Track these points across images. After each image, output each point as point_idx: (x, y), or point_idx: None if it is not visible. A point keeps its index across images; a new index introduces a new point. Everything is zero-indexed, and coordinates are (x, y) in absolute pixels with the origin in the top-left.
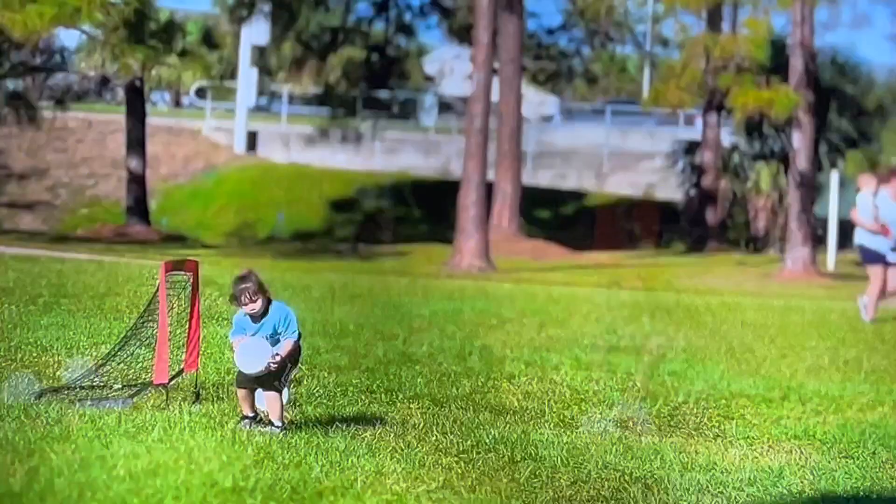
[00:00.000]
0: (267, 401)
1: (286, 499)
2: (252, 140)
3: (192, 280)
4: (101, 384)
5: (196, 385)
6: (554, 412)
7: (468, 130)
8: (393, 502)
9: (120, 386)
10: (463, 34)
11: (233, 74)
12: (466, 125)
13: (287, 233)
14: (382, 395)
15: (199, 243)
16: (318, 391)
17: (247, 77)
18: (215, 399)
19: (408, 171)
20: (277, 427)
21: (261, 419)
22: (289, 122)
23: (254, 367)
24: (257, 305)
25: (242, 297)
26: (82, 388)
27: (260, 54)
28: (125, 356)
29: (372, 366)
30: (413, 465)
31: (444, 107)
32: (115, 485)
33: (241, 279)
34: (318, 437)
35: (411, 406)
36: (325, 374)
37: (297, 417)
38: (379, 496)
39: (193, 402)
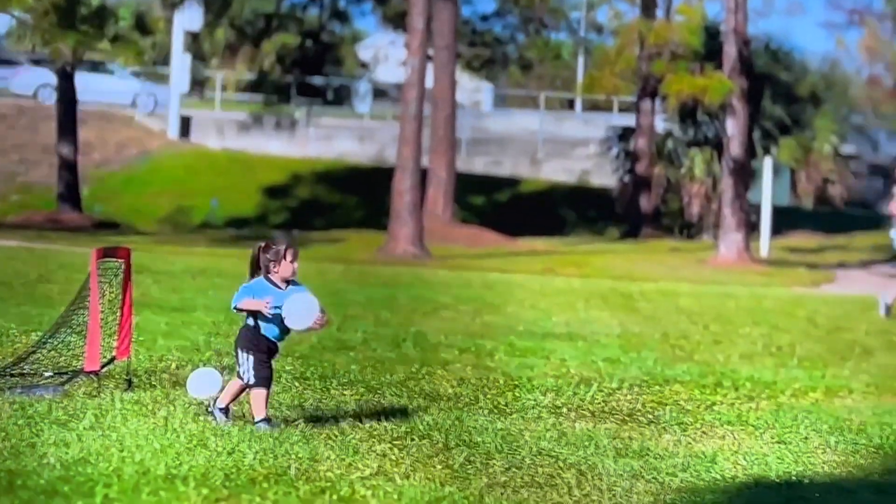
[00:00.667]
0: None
1: (219, 486)
2: (185, 126)
3: (124, 267)
4: (32, 372)
5: (128, 372)
6: (488, 398)
7: (403, 117)
8: (327, 489)
9: (51, 373)
10: (397, 20)
11: (166, 60)
12: (401, 112)
13: (221, 219)
14: (316, 382)
15: (132, 230)
16: None
17: (180, 63)
18: (148, 386)
19: (342, 158)
20: (274, 424)
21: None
22: (223, 108)
23: (304, 323)
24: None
25: (289, 254)
26: (12, 375)
27: (193, 40)
28: (56, 343)
29: (306, 352)
30: (347, 452)
31: (379, 93)
32: (46, 472)
33: (283, 239)
34: (251, 425)
35: (345, 393)
36: None
37: (231, 405)
38: (312, 483)
39: (125, 390)
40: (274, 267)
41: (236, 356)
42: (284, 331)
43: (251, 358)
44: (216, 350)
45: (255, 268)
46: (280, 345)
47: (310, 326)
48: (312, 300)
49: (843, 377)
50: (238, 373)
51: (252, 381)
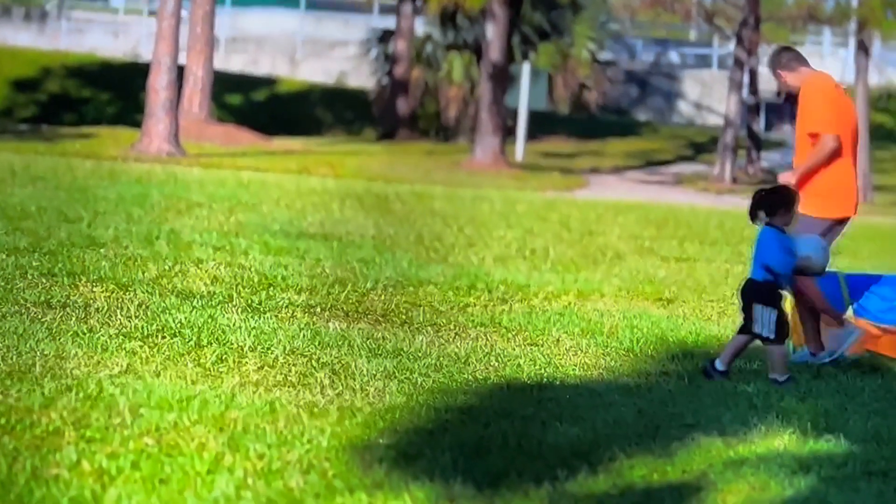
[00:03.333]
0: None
1: None
2: None
3: None
4: None
5: None
6: (242, 297)
7: (160, 13)
8: (73, 387)
9: None
10: None
11: None
12: (158, 8)
13: None
14: (65, 279)
15: None
16: None
17: None
18: None
19: (95, 53)
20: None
21: None
22: None
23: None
24: None
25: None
26: None
27: None
28: None
29: (54, 248)
30: (95, 350)
31: None
32: None
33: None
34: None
35: (95, 290)
36: (4, 257)
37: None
38: (58, 380)
39: None
40: (783, 214)
41: (750, 311)
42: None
43: (775, 313)
44: None
45: (758, 212)
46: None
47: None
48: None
49: (596, 281)
50: (752, 328)
51: (773, 335)
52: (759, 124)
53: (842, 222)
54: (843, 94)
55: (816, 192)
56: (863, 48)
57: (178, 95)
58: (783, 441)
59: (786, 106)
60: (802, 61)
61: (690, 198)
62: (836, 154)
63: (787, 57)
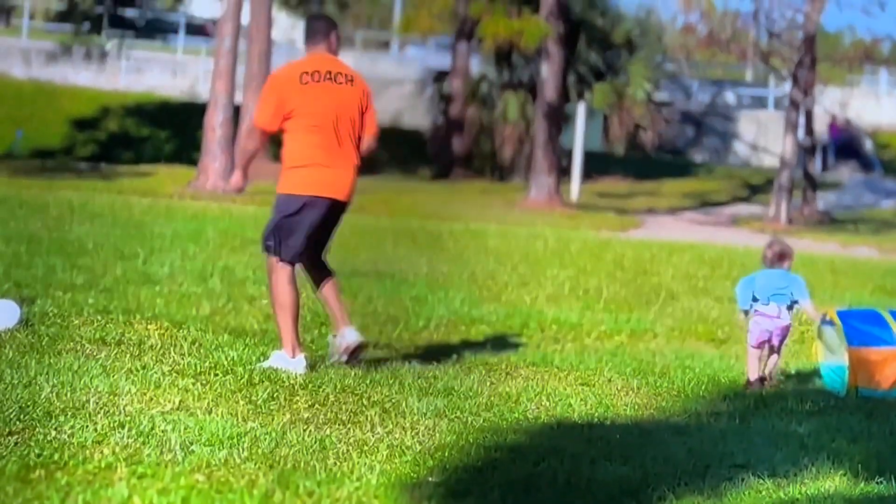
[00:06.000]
0: None
1: (13, 418)
2: None
3: None
4: None
5: None
6: None
7: (217, 51)
8: (126, 423)
9: None
10: None
11: None
12: (216, 46)
13: (25, 150)
14: (120, 316)
15: None
16: (51, 311)
17: None
18: None
19: (153, 91)
20: None
21: None
22: (30, 37)
23: None
24: None
25: None
26: None
27: None
28: None
29: (110, 285)
30: (148, 386)
31: (193, 28)
32: None
33: None
34: (49, 357)
35: (149, 327)
36: (60, 294)
37: (29, 338)
38: (111, 417)
39: None
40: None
41: None
42: None
43: None
44: (15, 282)
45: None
46: None
47: None
48: None
49: (648, 321)
50: None
51: None
52: (815, 165)
53: (320, 203)
54: (314, 82)
55: (288, 171)
56: None
57: (234, 133)
58: (834, 482)
59: (837, 145)
60: (317, 41)
61: (745, 239)
62: (309, 136)
63: (317, 27)
